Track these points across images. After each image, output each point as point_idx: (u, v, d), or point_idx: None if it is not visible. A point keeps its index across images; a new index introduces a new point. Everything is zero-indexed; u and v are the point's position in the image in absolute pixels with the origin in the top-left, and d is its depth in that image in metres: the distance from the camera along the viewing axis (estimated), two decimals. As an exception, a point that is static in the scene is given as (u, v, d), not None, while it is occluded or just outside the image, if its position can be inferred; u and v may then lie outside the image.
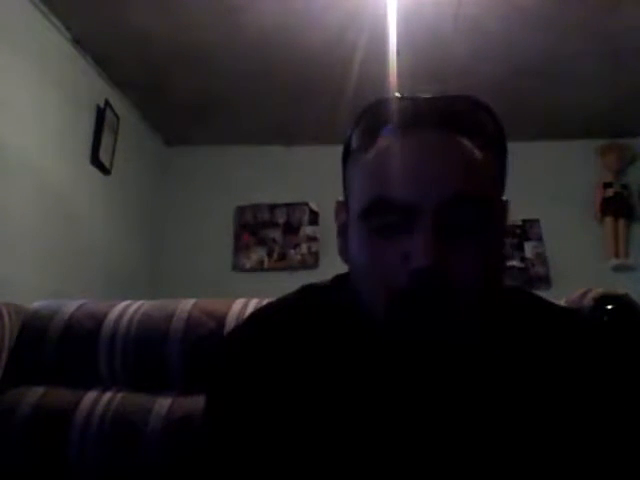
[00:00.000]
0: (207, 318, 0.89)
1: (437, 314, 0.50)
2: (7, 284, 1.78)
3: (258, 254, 3.13)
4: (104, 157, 2.50)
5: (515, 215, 3.10)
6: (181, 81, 2.63)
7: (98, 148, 2.46)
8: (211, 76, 2.58)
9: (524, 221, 3.11)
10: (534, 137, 3.08)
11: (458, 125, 0.53)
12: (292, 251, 3.12)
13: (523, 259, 3.06)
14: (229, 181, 3.19)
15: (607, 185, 3.07)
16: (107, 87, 2.58)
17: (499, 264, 0.57)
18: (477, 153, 0.53)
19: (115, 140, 2.61)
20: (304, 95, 2.67)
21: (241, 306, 0.90)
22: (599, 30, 2.26)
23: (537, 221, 3.10)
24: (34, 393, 0.88)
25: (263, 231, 3.17)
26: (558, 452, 0.52)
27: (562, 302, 0.80)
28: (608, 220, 3.03)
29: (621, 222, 3.02)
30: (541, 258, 3.04)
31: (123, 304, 0.96)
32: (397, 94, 0.57)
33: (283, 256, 3.12)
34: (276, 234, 3.17)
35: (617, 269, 2.97)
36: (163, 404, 0.85)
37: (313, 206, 3.15)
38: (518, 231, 3.11)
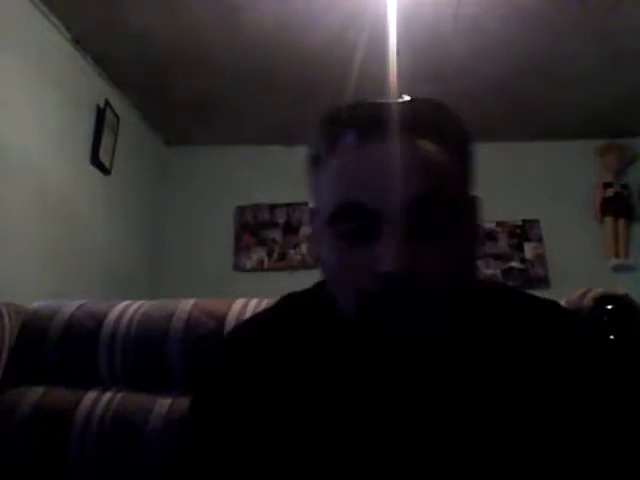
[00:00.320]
0: (207, 318, 0.89)
1: (406, 317, 0.50)
2: (7, 284, 1.78)
3: (258, 254, 3.13)
4: (104, 157, 2.50)
5: (515, 215, 3.10)
6: (181, 81, 2.63)
7: (98, 148, 2.46)
8: (211, 76, 2.58)
9: (524, 221, 3.12)
10: (534, 137, 3.09)
11: (419, 128, 0.54)
12: (292, 251, 3.13)
13: (523, 260, 3.06)
14: (229, 181, 3.19)
15: (607, 185, 3.07)
16: (107, 87, 2.58)
17: (469, 262, 0.58)
18: (439, 155, 0.53)
19: (115, 140, 2.61)
20: (304, 95, 2.67)
21: (241, 306, 0.90)
22: (599, 30, 2.26)
23: (537, 221, 3.10)
24: (34, 393, 0.88)
25: (263, 231, 3.18)
26: (541, 448, 0.51)
27: (562, 302, 0.80)
28: (608, 220, 3.03)
29: (621, 222, 3.03)
30: (541, 259, 3.04)
31: (123, 304, 0.96)
32: (358, 99, 0.58)
33: (283, 256, 3.12)
34: (276, 234, 3.17)
35: (617, 269, 2.97)
36: (163, 404, 0.85)
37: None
38: (518, 231, 3.11)
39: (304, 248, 3.11)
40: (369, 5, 2.08)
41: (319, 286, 0.64)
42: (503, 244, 3.10)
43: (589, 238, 3.03)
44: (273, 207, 3.20)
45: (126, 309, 0.94)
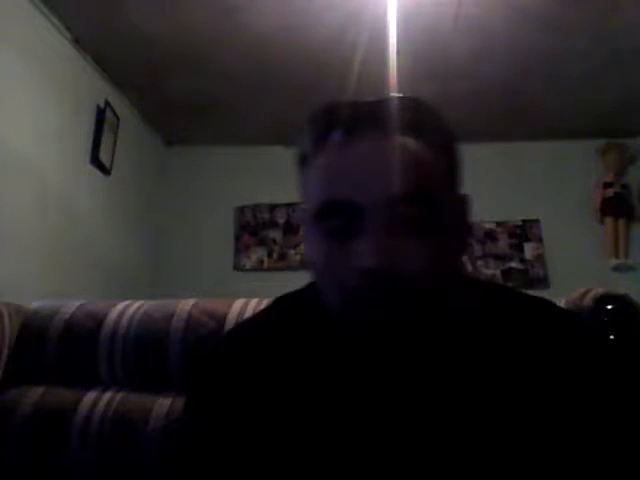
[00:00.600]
0: (207, 318, 0.89)
1: (387, 312, 0.51)
2: (7, 284, 1.78)
3: (258, 254, 3.13)
4: (104, 157, 2.50)
5: (515, 215, 3.10)
6: (181, 81, 2.63)
7: (98, 148, 2.46)
8: (211, 76, 2.58)
9: (524, 221, 3.12)
10: (534, 137, 3.09)
11: (401, 126, 0.54)
12: (292, 251, 3.13)
13: (523, 260, 3.06)
14: (229, 181, 3.19)
15: (607, 185, 3.07)
16: (107, 87, 2.58)
17: (451, 259, 0.58)
18: (421, 152, 0.54)
19: (115, 140, 2.61)
20: (304, 95, 2.67)
21: (241, 306, 0.90)
22: (599, 30, 2.26)
23: (537, 221, 3.10)
24: (34, 393, 0.88)
25: (263, 231, 3.18)
26: (537, 448, 0.51)
27: (562, 302, 0.80)
28: (608, 220, 3.03)
29: (621, 222, 3.03)
30: (541, 259, 3.04)
31: (123, 304, 0.96)
32: (343, 99, 0.59)
33: (283, 256, 3.12)
34: (276, 234, 3.17)
35: (617, 269, 2.97)
36: (163, 404, 0.85)
37: (313, 206, 3.15)
38: (518, 231, 3.11)
39: (304, 248, 3.11)
40: (369, 5, 2.08)
41: (311, 285, 0.65)
42: (503, 244, 3.10)
43: (589, 238, 3.03)
44: (273, 207, 3.20)
45: (126, 309, 0.94)
